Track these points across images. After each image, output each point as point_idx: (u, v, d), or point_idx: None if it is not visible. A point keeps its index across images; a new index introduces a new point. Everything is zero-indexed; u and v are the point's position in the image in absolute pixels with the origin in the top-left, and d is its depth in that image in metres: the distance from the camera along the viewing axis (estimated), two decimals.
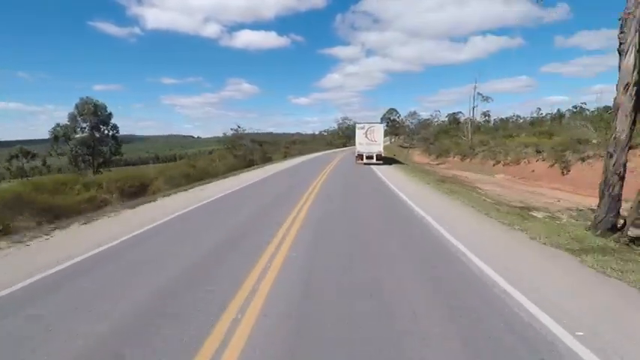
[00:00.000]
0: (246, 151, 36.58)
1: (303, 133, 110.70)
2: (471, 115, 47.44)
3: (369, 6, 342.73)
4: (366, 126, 25.49)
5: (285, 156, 46.23)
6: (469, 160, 33.47)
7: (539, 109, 71.26)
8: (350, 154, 35.11)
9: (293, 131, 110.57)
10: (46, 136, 38.26)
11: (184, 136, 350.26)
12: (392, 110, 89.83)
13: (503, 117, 68.57)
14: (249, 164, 30.92)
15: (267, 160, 36.27)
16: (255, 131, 48.96)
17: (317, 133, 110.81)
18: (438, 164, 38.93)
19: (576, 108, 55.35)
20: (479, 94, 45.78)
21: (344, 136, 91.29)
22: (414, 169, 24.47)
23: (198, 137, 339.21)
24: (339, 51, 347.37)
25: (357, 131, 26.14)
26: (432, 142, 50.25)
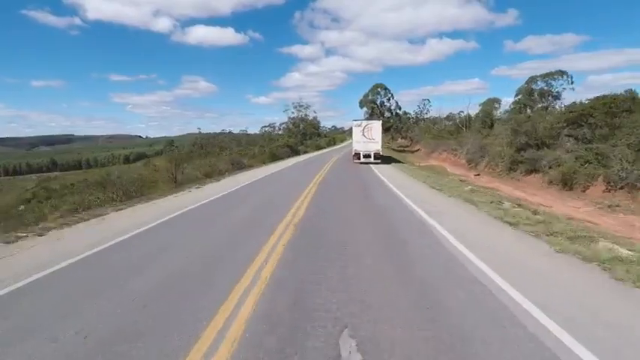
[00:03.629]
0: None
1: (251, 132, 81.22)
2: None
3: (327, 4, 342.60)
4: (363, 123, 24.94)
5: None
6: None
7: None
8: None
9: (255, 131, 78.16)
10: None
11: (131, 136, 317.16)
12: (378, 89, 58.66)
13: None
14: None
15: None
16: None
17: (260, 130, 72.53)
18: (476, 175, 26.07)
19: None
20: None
21: (301, 134, 63.97)
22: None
23: (147, 137, 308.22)
24: (298, 50, 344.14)
25: (353, 129, 25.41)
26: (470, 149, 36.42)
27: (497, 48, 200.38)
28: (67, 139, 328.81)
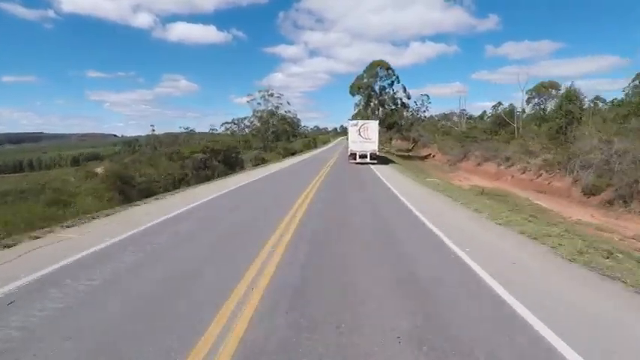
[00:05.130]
0: None
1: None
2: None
3: (311, 4, 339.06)
4: (360, 123, 24.00)
5: None
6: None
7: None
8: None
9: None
10: None
11: (106, 135, 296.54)
12: (378, 69, 41.00)
13: None
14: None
15: None
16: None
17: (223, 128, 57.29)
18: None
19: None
20: None
21: (272, 133, 49.49)
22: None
23: (122, 136, 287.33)
24: (282, 50, 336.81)
25: (349, 128, 24.41)
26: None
27: (478, 52, 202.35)
28: (37, 138, 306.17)
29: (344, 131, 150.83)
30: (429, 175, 20.29)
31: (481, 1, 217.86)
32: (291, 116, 53.83)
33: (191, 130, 65.87)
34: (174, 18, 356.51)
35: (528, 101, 36.69)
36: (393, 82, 41.13)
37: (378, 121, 25.37)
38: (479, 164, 27.74)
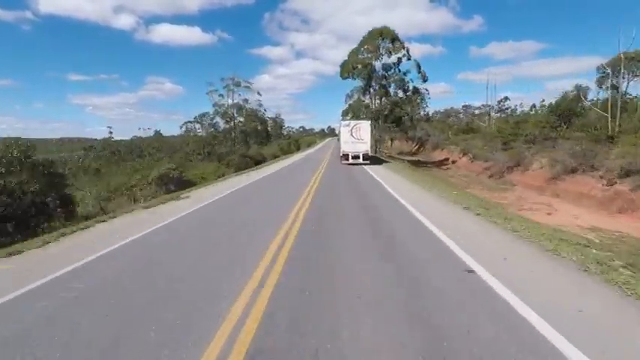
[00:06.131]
0: None
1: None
2: None
3: (297, 5, 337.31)
4: (352, 123, 23.28)
5: None
6: None
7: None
8: None
9: None
10: None
11: (87, 139, 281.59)
12: (379, 40, 28.33)
13: None
14: None
15: None
16: None
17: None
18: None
19: None
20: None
21: (241, 133, 39.67)
22: None
23: (102, 139, 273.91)
24: (268, 51, 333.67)
25: (341, 129, 24.13)
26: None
27: (463, 53, 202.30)
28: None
29: (331, 132, 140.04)
30: (485, 204, 9.31)
31: (465, 1, 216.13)
32: (257, 109, 41.94)
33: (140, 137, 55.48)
34: (157, 19, 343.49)
35: (600, 82, 26.27)
36: (400, 58, 28.59)
37: (370, 121, 24.50)
38: (555, 178, 16.76)
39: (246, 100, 37.05)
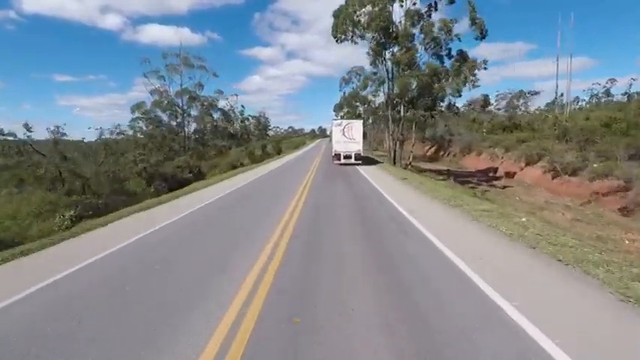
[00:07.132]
0: None
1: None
2: None
3: (287, 5, 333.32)
4: (344, 122, 22.80)
5: None
6: None
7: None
8: None
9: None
10: None
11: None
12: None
13: None
14: None
15: None
16: None
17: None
18: None
19: None
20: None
21: (198, 139, 28.01)
22: None
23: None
24: (258, 52, 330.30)
25: (333, 128, 23.51)
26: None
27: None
28: None
29: (322, 133, 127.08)
30: None
31: (455, 3, 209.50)
32: (212, 98, 30.26)
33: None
34: (145, 20, 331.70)
35: None
36: (431, 5, 17.89)
37: (362, 121, 23.39)
38: None
39: (200, 86, 25.94)
